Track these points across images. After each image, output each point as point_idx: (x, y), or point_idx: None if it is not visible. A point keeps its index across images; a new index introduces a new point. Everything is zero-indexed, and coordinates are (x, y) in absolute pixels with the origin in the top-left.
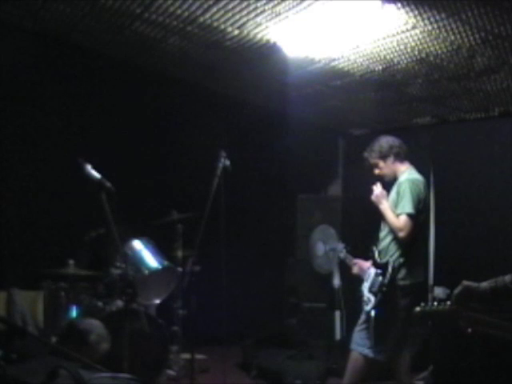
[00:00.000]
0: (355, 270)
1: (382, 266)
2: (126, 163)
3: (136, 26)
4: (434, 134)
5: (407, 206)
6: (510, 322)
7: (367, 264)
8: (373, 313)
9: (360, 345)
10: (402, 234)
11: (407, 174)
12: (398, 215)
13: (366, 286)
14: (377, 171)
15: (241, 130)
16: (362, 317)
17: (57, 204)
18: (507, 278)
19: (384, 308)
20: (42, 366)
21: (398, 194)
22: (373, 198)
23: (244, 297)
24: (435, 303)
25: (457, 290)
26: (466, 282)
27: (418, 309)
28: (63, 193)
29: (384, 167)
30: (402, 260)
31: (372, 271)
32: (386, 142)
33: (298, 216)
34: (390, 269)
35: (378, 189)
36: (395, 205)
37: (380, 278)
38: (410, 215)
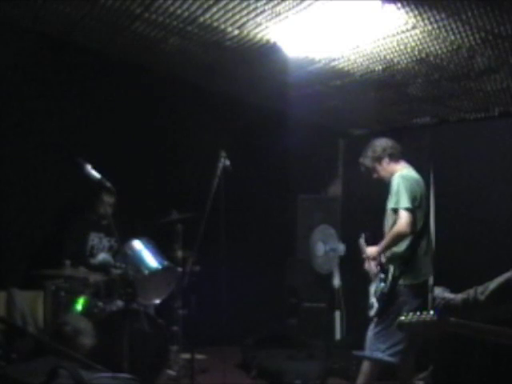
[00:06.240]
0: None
1: (386, 272)
2: (125, 163)
3: (136, 25)
4: (434, 134)
5: (403, 201)
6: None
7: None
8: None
9: (373, 350)
10: (405, 230)
11: (399, 171)
12: (393, 210)
13: (371, 288)
14: (375, 175)
15: (241, 129)
16: (374, 320)
17: (57, 204)
18: (479, 289)
19: (389, 314)
20: (42, 366)
21: (391, 191)
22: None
23: (244, 297)
24: (418, 313)
25: (437, 303)
26: (445, 295)
27: (402, 318)
28: (63, 193)
29: (381, 170)
30: (408, 262)
31: (377, 272)
32: (378, 144)
33: (298, 216)
34: (390, 277)
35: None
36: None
37: (382, 285)
38: (407, 209)
